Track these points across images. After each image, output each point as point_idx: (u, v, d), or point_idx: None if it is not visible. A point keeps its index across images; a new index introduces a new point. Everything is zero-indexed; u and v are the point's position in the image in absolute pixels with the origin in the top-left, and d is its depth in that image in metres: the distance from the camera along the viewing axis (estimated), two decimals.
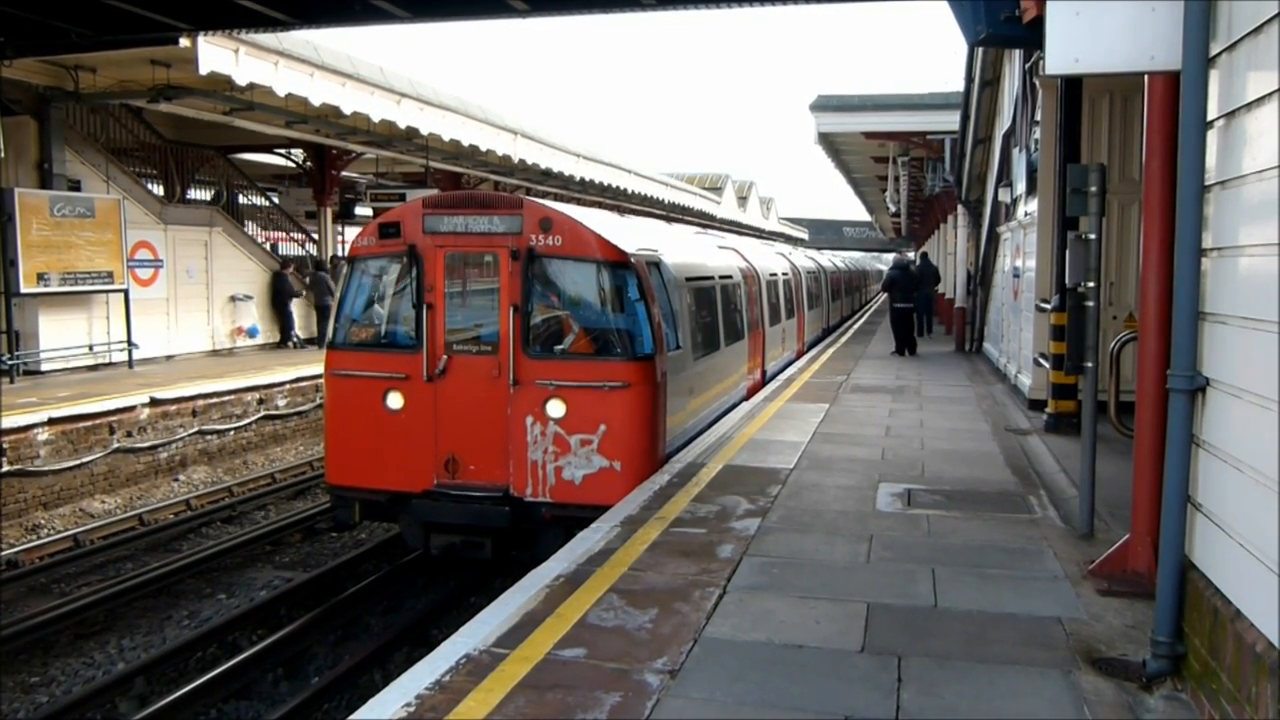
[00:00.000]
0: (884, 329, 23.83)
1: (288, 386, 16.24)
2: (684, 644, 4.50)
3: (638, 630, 4.67)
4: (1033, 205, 12.18)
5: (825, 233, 79.81)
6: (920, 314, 24.26)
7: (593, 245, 8.26)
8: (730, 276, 12.75)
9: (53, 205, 15.27)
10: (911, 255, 32.50)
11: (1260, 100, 3.52)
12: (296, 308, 22.10)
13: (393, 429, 8.44)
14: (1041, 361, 10.15)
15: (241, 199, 24.55)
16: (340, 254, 24.09)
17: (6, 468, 11.25)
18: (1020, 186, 13.82)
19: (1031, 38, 7.44)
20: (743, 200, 58.60)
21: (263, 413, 15.53)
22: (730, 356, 11.99)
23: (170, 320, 18.66)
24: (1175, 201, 4.15)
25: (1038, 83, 11.53)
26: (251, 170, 25.86)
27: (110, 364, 16.85)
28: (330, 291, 21.74)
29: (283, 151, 24.39)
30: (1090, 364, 6.27)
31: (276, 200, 26.79)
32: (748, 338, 13.34)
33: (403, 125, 19.42)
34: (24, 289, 14.84)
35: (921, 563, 5.71)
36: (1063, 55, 4.59)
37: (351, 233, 27.78)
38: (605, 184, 32.16)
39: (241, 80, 14.73)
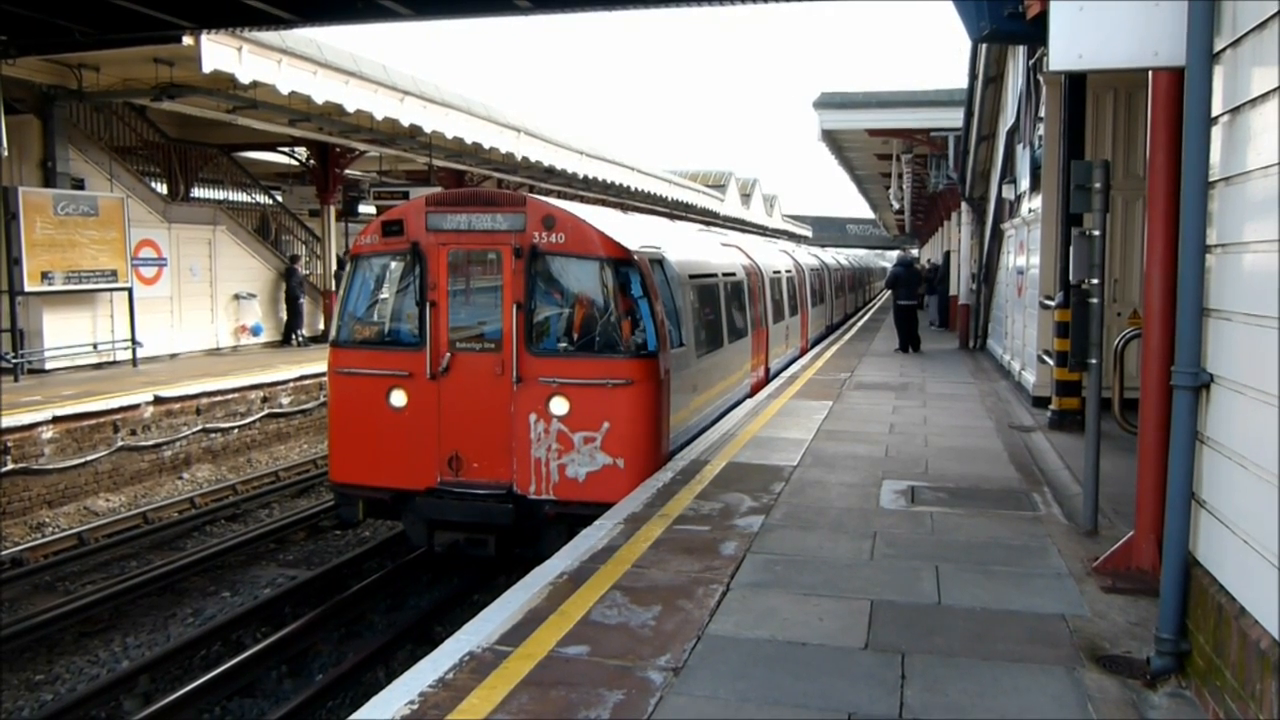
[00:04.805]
0: (888, 326, 23.81)
1: (291, 384, 16.26)
2: (687, 641, 4.50)
3: (641, 628, 4.67)
4: (1036, 202, 12.16)
5: (829, 230, 79.88)
6: (940, 304, 24.88)
7: (596, 242, 8.25)
8: (733, 274, 12.73)
9: (56, 204, 15.27)
10: (915, 253, 32.58)
11: (1265, 96, 3.51)
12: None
13: (396, 427, 8.45)
14: (1045, 358, 10.15)
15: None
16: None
17: (11, 466, 11.28)
18: (1024, 183, 13.79)
19: (1035, 34, 7.43)
20: (746, 198, 58.51)
21: (266, 411, 15.55)
22: (734, 354, 11.98)
23: (174, 319, 18.68)
24: (1179, 197, 4.14)
25: (1041, 79, 11.51)
26: (255, 168, 25.86)
27: (114, 362, 16.86)
28: (301, 286, 21.84)
29: (286, 150, 24.39)
30: (1094, 360, 6.26)
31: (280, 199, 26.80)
32: (751, 335, 13.33)
33: (406, 123, 19.40)
34: (28, 287, 14.85)
35: (925, 560, 5.71)
36: (1066, 51, 4.58)
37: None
38: (609, 181, 32.12)
39: (245, 78, 14.72)
